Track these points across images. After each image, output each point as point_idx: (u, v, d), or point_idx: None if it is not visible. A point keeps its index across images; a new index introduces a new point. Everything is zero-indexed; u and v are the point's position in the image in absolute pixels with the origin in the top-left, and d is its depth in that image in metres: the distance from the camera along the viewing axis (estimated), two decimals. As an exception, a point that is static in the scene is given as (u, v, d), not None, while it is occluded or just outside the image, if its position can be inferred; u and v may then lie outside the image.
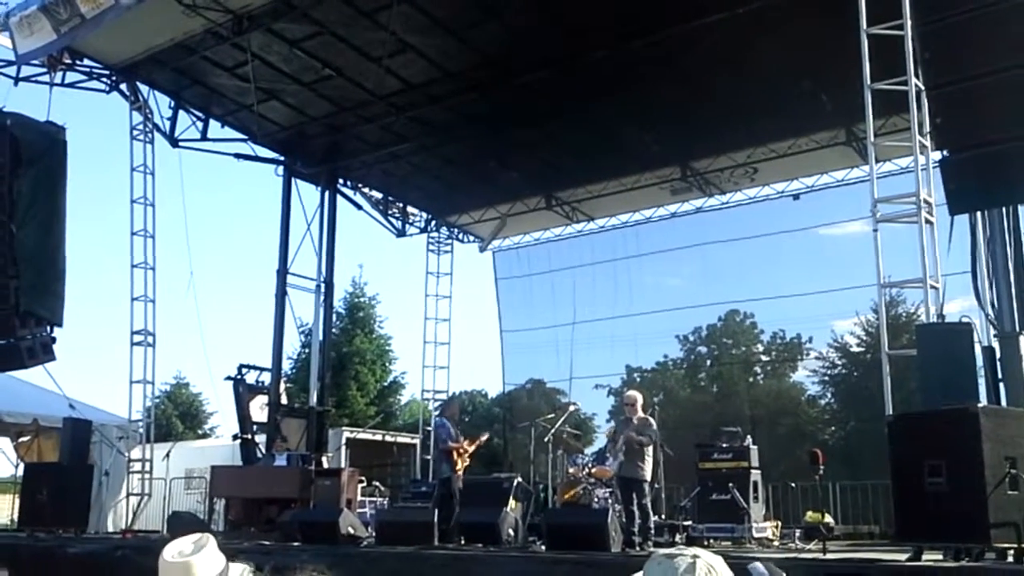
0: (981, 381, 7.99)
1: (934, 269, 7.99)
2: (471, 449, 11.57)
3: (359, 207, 18.86)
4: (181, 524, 11.83)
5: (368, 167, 17.81)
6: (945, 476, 6.30)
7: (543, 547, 9.00)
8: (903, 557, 6.80)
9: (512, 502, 11.13)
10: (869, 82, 8.32)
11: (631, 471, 9.78)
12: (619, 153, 16.45)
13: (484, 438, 12.20)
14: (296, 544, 10.13)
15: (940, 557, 6.83)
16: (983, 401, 7.30)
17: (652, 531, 9.70)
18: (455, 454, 11.40)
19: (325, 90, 15.01)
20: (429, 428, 18.87)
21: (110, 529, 14.48)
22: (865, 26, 8.31)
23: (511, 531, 9.75)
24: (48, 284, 12.25)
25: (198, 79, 14.89)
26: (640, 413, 10.10)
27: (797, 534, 10.52)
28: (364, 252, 56.30)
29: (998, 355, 8.78)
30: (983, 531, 6.07)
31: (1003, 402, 8.38)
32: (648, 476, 9.83)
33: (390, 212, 19.73)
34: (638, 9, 12.09)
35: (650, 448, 9.84)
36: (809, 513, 11.19)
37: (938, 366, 7.29)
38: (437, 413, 15.77)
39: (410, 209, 20.04)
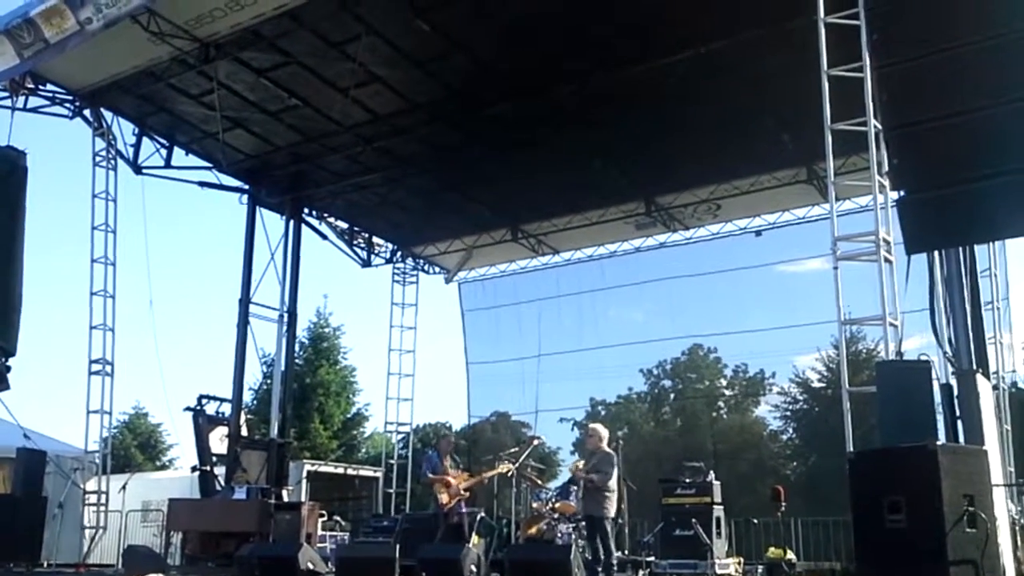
0: (939, 418, 8.08)
1: (893, 307, 8.10)
2: (464, 484, 11.34)
3: (324, 237, 18.78)
4: (137, 558, 11.58)
5: (333, 197, 17.76)
6: (905, 513, 6.33)
7: (505, 583, 8.91)
8: (864, 594, 6.81)
9: (475, 537, 11.02)
10: (830, 122, 8.47)
11: (592, 508, 9.76)
12: (585, 187, 16.59)
13: (484, 476, 11.63)
14: (254, 580, 9.94)
15: (900, 594, 6.86)
16: (941, 438, 7.37)
17: (615, 568, 9.65)
18: (440, 486, 11.23)
19: (291, 119, 14.98)
20: (392, 461, 18.78)
21: (63, 563, 14.12)
22: (826, 67, 8.48)
23: (473, 567, 9.63)
24: (3, 312, 12.03)
25: (163, 106, 14.79)
26: (602, 447, 10.06)
27: (759, 570, 10.53)
28: (329, 282, 56.03)
29: (955, 392, 8.89)
30: (942, 569, 6.09)
31: (961, 439, 8.47)
32: (611, 512, 9.77)
33: (355, 242, 19.65)
34: (606, 44, 12.26)
35: (612, 482, 9.80)
36: (771, 549, 11.22)
37: (897, 403, 7.35)
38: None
39: (376, 239, 19.97)
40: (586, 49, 12.45)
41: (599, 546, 9.38)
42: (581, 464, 10.63)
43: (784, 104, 12.75)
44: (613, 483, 9.85)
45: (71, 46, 12.15)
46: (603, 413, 23.55)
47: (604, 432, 10.28)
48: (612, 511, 9.79)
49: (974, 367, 9.29)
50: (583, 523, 10.79)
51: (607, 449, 10.09)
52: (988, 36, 6.92)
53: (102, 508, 14.38)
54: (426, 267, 20.67)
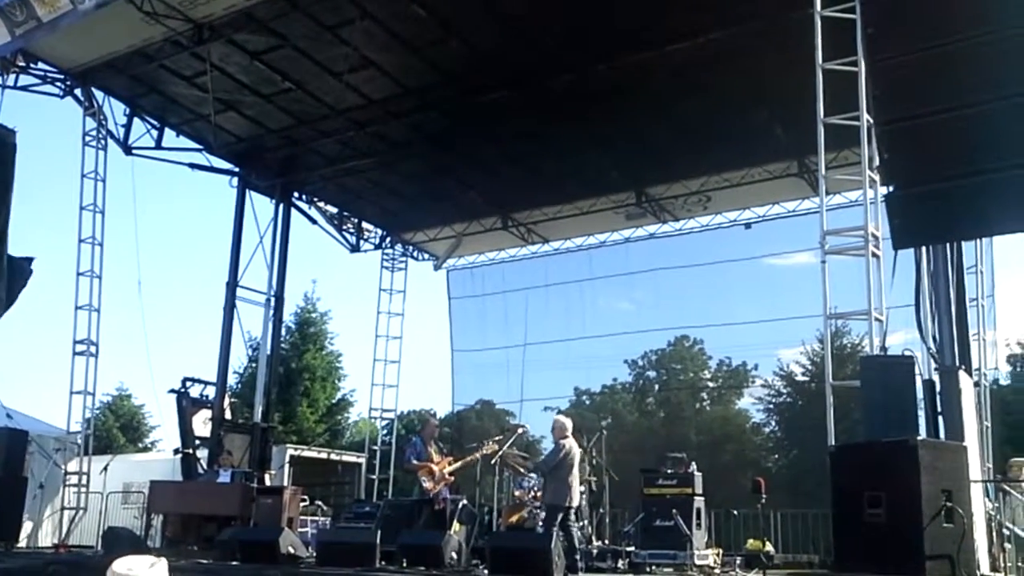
0: (921, 414, 8.13)
1: (879, 302, 8.13)
2: (449, 468, 11.33)
3: (313, 221, 18.74)
4: (117, 540, 11.53)
5: (324, 181, 17.72)
6: (884, 507, 6.38)
7: (486, 571, 8.93)
8: (841, 587, 6.86)
9: (456, 524, 11.02)
10: (823, 116, 8.48)
11: (547, 497, 10.01)
12: (576, 176, 16.59)
13: (469, 459, 11.46)
14: (235, 563, 9.93)
15: (877, 588, 6.92)
16: (922, 434, 7.42)
17: (577, 558, 9.66)
18: (423, 473, 11.22)
19: (284, 103, 14.92)
20: (375, 447, 18.78)
21: (43, 543, 14.08)
22: (821, 61, 8.49)
23: (454, 554, 9.64)
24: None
25: (155, 87, 14.71)
26: (565, 437, 10.15)
27: (738, 562, 10.58)
28: (318, 267, 55.85)
29: (938, 388, 8.96)
30: (919, 563, 6.15)
31: (941, 435, 8.53)
32: (567, 501, 9.84)
33: (345, 227, 19.61)
34: (600, 34, 12.24)
35: (566, 473, 9.88)
36: (750, 541, 11.27)
37: (880, 398, 7.41)
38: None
39: (365, 225, 19.94)
40: (582, 39, 12.43)
41: (561, 533, 9.53)
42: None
43: (777, 97, 12.77)
44: (566, 473, 9.91)
45: (63, 24, 12.08)
46: (588, 403, 23.57)
47: (564, 423, 10.36)
48: (570, 499, 9.87)
49: (957, 364, 9.36)
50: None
51: (563, 442, 10.15)
52: (981, 33, 6.94)
53: (83, 489, 14.36)
54: (415, 254, 20.64)
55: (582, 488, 11.44)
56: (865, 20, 7.71)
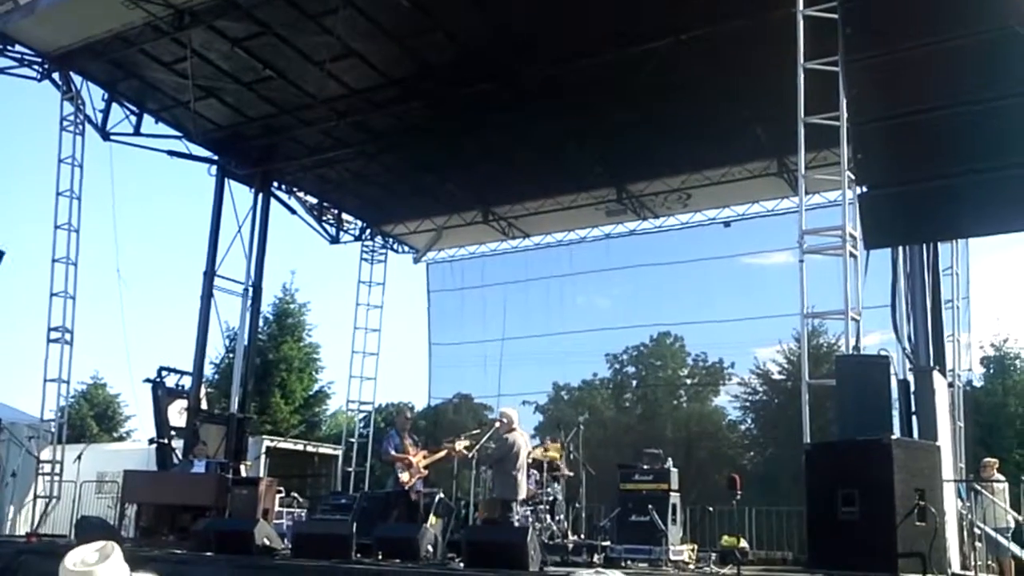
0: (896, 413, 8.20)
1: (856, 302, 8.18)
2: (425, 461, 11.34)
3: (293, 211, 18.63)
4: (89, 529, 11.44)
5: (305, 171, 17.62)
6: (858, 505, 6.44)
7: (462, 564, 8.93)
8: (814, 584, 6.91)
9: (432, 518, 11.02)
10: (803, 115, 8.51)
11: (496, 491, 10.30)
12: (557, 171, 16.60)
13: (443, 453, 11.41)
14: (209, 554, 9.88)
15: (849, 585, 6.98)
16: (896, 433, 7.49)
17: None
18: (400, 465, 11.21)
19: (265, 91, 14.82)
20: (353, 440, 18.73)
21: (15, 532, 13.94)
22: (802, 60, 8.52)
23: (430, 547, 9.63)
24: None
25: (134, 72, 14.56)
26: (511, 431, 10.35)
27: (713, 558, 10.62)
28: (297, 258, 55.55)
29: (912, 388, 9.05)
30: (891, 561, 6.21)
31: (915, 435, 8.62)
32: (515, 494, 10.12)
33: (324, 218, 19.52)
34: (582, 30, 12.24)
35: (511, 466, 10.12)
36: (725, 537, 11.32)
37: (855, 397, 7.47)
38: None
39: (345, 216, 19.86)
40: (565, 34, 12.42)
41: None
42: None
43: (758, 96, 12.80)
44: (511, 466, 10.14)
45: (41, 7, 11.94)
46: (566, 398, 23.64)
47: (510, 416, 10.63)
48: (514, 492, 10.13)
49: (931, 365, 9.45)
50: (540, 505, 10.88)
51: (508, 435, 10.35)
52: (957, 36, 7.01)
53: (56, 478, 14.24)
54: (395, 246, 20.57)
55: (558, 485, 11.49)
56: (844, 20, 7.76)
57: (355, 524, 10.08)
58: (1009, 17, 6.82)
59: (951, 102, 7.10)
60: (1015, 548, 10.99)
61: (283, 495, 14.80)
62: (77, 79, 14.73)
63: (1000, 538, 11.17)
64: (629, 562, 10.28)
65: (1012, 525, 11.31)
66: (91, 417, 34.41)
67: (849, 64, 7.70)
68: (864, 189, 7.71)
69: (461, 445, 11.07)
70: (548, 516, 11.02)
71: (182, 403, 15.14)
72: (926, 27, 7.12)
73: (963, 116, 7.01)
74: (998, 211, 7.27)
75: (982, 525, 10.79)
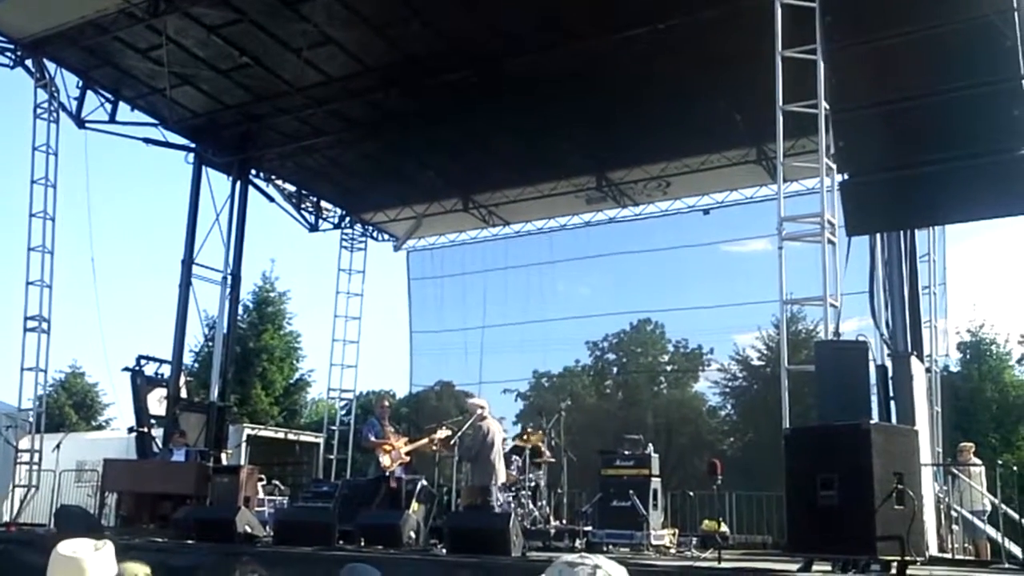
0: (874, 398, 8.29)
1: (834, 288, 8.25)
2: (406, 448, 11.35)
3: (271, 199, 18.52)
4: (69, 518, 11.38)
5: (283, 159, 17.51)
6: (837, 490, 6.49)
7: (444, 550, 8.97)
8: (794, 568, 6.99)
9: (415, 504, 11.05)
10: (782, 103, 8.54)
11: (475, 479, 10.36)
12: (538, 159, 16.59)
13: (424, 441, 11.41)
14: (190, 542, 9.87)
15: (829, 568, 7.06)
16: (875, 418, 7.57)
17: None
18: (381, 450, 11.24)
19: (241, 78, 14.70)
20: (334, 427, 18.71)
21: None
22: (780, 48, 8.54)
23: (412, 533, 9.67)
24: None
25: (109, 59, 14.40)
26: (483, 419, 10.44)
27: (693, 542, 10.71)
28: (277, 247, 55.30)
29: (890, 374, 9.14)
30: (870, 544, 6.28)
31: (893, 419, 8.72)
32: (494, 480, 10.20)
33: (303, 206, 19.40)
34: (562, 17, 12.22)
35: (488, 452, 10.21)
36: (705, 522, 11.42)
37: (834, 382, 7.53)
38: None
39: (324, 204, 19.74)
40: (544, 21, 12.40)
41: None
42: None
43: (737, 84, 12.83)
44: (488, 453, 10.22)
45: (13, -8, 11.77)
46: (547, 385, 23.73)
47: (479, 404, 10.77)
48: (493, 478, 10.19)
49: (909, 350, 9.55)
50: (522, 491, 10.94)
51: (481, 424, 10.44)
52: (936, 24, 7.05)
53: (35, 467, 14.15)
54: (375, 234, 20.49)
55: (540, 471, 11.55)
56: (823, 8, 7.79)
57: (337, 511, 10.10)
58: (985, 6, 6.88)
59: (930, 90, 7.15)
60: (991, 531, 11.15)
61: (264, 483, 14.80)
62: (51, 66, 14.53)
63: (976, 521, 11.34)
64: (611, 547, 10.35)
65: (988, 508, 11.46)
66: (70, 406, 34.19)
67: (829, 52, 7.74)
68: (845, 176, 7.76)
69: (442, 435, 11.09)
70: (530, 502, 11.09)
71: (161, 392, 15.08)
72: (905, 15, 7.16)
73: (942, 104, 7.06)
74: (976, 197, 7.33)
75: (959, 508, 10.95)
